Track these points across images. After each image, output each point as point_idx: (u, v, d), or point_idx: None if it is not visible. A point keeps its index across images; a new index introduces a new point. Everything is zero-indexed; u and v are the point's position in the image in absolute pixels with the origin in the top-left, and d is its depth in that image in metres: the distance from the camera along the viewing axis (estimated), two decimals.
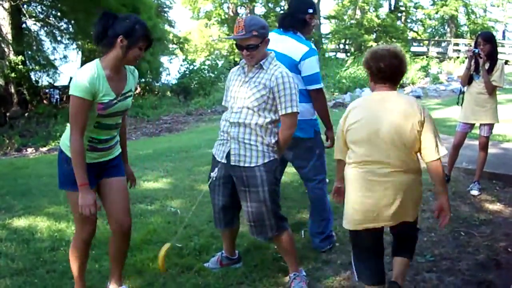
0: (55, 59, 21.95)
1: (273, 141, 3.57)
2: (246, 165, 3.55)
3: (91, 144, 3.35)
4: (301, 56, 4.10)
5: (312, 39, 26.25)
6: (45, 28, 21.50)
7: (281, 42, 4.19)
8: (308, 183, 4.47)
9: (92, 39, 3.21)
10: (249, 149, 3.54)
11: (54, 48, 21.79)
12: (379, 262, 3.35)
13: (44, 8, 21.36)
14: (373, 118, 3.10)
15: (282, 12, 37.17)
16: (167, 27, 28.67)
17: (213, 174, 3.74)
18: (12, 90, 19.61)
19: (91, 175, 3.31)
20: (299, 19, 4.29)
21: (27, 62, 20.10)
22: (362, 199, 3.14)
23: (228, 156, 3.62)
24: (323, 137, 4.46)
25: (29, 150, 14.97)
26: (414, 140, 3.10)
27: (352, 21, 39.24)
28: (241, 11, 39.66)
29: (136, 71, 3.51)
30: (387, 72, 3.14)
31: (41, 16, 21.39)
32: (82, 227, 3.49)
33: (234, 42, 3.64)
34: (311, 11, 4.32)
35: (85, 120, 3.16)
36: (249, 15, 27.85)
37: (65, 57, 21.92)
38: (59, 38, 21.33)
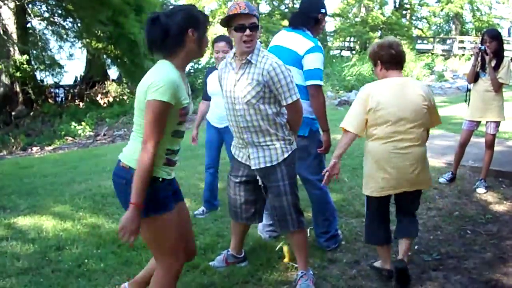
0: (61, 58, 22.01)
1: (287, 133, 3.60)
2: (268, 165, 3.60)
3: (167, 156, 2.90)
4: (305, 51, 4.08)
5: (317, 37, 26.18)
6: (50, 27, 21.53)
7: (288, 38, 4.23)
8: (306, 184, 4.46)
9: (149, 48, 2.84)
10: (268, 149, 3.58)
11: (60, 47, 21.85)
12: (388, 225, 3.96)
13: (49, 7, 21.39)
14: (398, 102, 3.66)
15: (286, 10, 37.23)
16: None
17: (238, 179, 3.82)
18: (18, 90, 19.68)
19: (170, 194, 2.97)
20: (311, 17, 4.29)
21: (32, 61, 20.14)
22: (388, 170, 3.70)
23: (248, 158, 3.67)
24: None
25: (35, 149, 15.01)
26: (428, 119, 3.79)
27: (357, 19, 39.12)
28: None
29: None
30: (398, 57, 3.78)
31: (46, 15, 21.42)
32: (176, 256, 3.00)
33: (227, 28, 3.50)
34: (323, 10, 4.34)
35: (164, 129, 2.78)
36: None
37: (71, 55, 21.94)
38: (64, 37, 21.34)
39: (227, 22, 3.43)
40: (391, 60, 3.75)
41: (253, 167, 3.65)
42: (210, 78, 5.28)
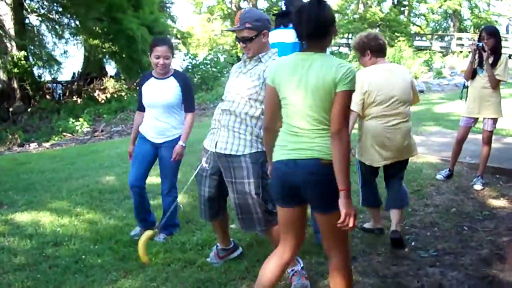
0: (58, 54, 21.98)
1: (262, 133, 3.53)
2: (232, 153, 3.53)
3: None
4: None
5: None
6: (47, 23, 21.48)
7: (289, 35, 4.24)
8: None
9: (309, 37, 2.81)
10: (237, 137, 3.53)
11: (56, 43, 21.81)
12: (376, 190, 4.75)
13: (46, 3, 21.33)
14: (390, 84, 4.29)
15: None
16: (169, 22, 28.64)
17: (205, 165, 3.72)
18: (15, 86, 19.64)
19: None
20: None
21: (30, 57, 20.10)
22: (385, 143, 4.35)
23: (216, 145, 3.61)
24: None
25: (32, 145, 14.97)
26: (413, 97, 4.45)
27: (355, 16, 39.15)
28: (244, 5, 39.59)
29: None
30: (384, 46, 4.52)
31: (43, 11, 21.36)
32: (348, 245, 3.10)
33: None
34: None
35: None
36: (247, 7, 27.79)
37: (65, 52, 21.91)
38: (61, 33, 21.30)
39: None
40: (379, 49, 4.46)
41: (217, 150, 3.58)
42: (146, 86, 4.64)
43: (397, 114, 4.30)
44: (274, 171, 3.02)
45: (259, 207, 3.56)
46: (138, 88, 4.93)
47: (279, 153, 2.96)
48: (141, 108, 4.77)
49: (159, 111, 4.57)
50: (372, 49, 4.45)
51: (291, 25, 4.34)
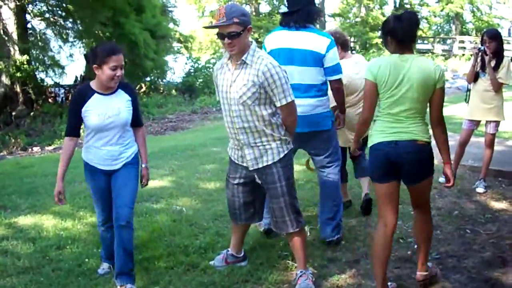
0: (64, 57, 22.00)
1: (282, 132, 3.63)
2: (265, 164, 3.62)
3: None
4: (326, 48, 4.18)
5: None
6: (51, 27, 21.51)
7: (299, 39, 4.22)
8: (322, 169, 4.54)
9: (407, 40, 3.43)
10: (264, 150, 3.61)
11: (60, 47, 21.81)
12: (344, 168, 5.28)
13: (49, 7, 21.36)
14: (360, 76, 4.62)
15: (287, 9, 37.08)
16: (172, 25, 28.67)
17: (237, 181, 3.85)
18: (18, 90, 19.64)
19: None
20: (313, 11, 4.35)
21: (33, 61, 20.12)
22: (353, 128, 4.64)
23: (244, 159, 3.69)
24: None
25: (35, 149, 14.99)
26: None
27: (357, 19, 39.16)
28: (247, 8, 39.61)
29: None
30: (348, 42, 5.09)
31: (46, 15, 21.40)
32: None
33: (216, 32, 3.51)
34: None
35: None
36: (230, 3, 27.80)
37: (70, 55, 21.91)
38: (64, 37, 21.32)
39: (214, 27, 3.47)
40: (346, 44, 5.20)
41: (250, 168, 3.67)
42: (92, 106, 3.76)
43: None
44: (375, 152, 3.52)
45: (291, 209, 3.69)
46: (71, 108, 3.88)
47: (380, 136, 3.49)
48: (74, 132, 3.89)
49: (114, 133, 3.80)
50: (341, 44, 4.96)
51: (292, 26, 4.29)
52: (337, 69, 4.25)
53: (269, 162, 3.61)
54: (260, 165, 3.63)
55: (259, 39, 28.21)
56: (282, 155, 3.62)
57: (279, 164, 3.62)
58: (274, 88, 3.45)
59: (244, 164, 3.72)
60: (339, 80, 4.31)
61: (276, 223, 3.79)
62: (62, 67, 21.17)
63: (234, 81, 3.52)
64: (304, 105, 4.14)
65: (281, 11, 4.62)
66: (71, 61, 21.74)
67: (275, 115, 3.57)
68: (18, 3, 18.57)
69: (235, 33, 3.37)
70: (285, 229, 3.76)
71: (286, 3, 4.50)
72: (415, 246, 4.45)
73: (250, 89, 3.45)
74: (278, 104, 3.50)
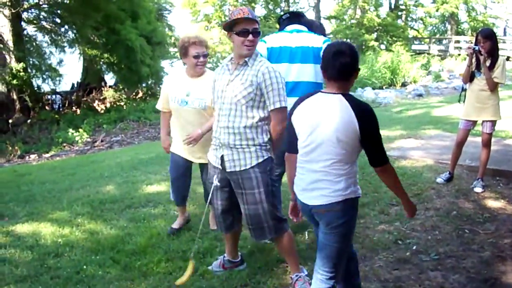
0: (57, 64, 21.97)
1: (265, 139, 3.57)
2: (242, 168, 3.56)
3: None
4: (322, 42, 4.35)
5: None
6: (46, 34, 21.51)
7: (299, 38, 4.37)
8: None
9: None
10: (242, 152, 3.55)
11: (50, 53, 21.79)
12: None
13: (44, 14, 21.36)
14: None
15: (282, 13, 37.24)
16: (167, 30, 28.70)
17: (215, 182, 3.73)
18: (14, 97, 19.65)
19: None
20: (315, 24, 4.73)
21: (29, 68, 20.12)
22: None
23: (222, 161, 3.62)
24: None
25: (32, 156, 15.00)
26: None
27: (353, 21, 39.21)
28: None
29: None
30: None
31: (41, 22, 21.40)
32: None
33: (228, 32, 3.55)
34: None
35: None
36: None
37: (61, 61, 21.89)
38: (59, 44, 21.32)
39: (230, 26, 3.48)
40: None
41: (227, 170, 3.61)
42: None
43: None
44: None
45: (269, 215, 3.61)
46: None
47: None
48: None
49: None
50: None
51: (292, 28, 4.47)
52: None
53: (247, 166, 3.55)
54: (238, 168, 3.57)
55: None
56: (261, 159, 3.56)
57: (258, 170, 3.55)
58: (270, 91, 3.45)
59: (219, 166, 3.66)
60: None
61: (253, 231, 3.70)
62: (59, 74, 21.16)
63: (232, 80, 3.54)
64: None
65: (284, 17, 4.66)
66: (62, 65, 21.71)
67: (264, 120, 3.55)
68: (13, 11, 18.56)
69: (259, 31, 3.50)
70: (262, 236, 3.70)
71: (288, 13, 4.73)
72: (414, 248, 4.46)
73: (247, 88, 3.46)
74: (271, 108, 3.49)
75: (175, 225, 5.05)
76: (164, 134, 4.95)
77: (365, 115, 2.80)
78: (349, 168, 2.90)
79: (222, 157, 3.62)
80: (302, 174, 3.01)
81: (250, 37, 3.44)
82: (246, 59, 3.51)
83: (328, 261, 2.99)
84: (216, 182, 3.72)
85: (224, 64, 3.70)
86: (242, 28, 3.45)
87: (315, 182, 2.92)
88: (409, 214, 3.11)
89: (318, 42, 4.32)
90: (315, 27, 4.65)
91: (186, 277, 3.75)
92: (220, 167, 3.65)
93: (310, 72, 4.29)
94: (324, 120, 2.82)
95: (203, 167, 4.70)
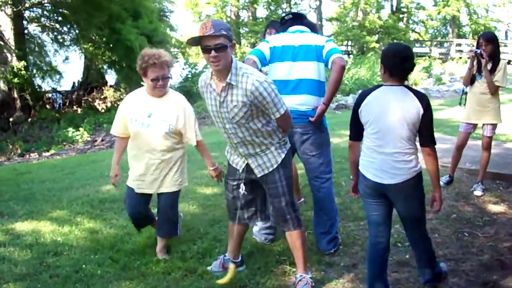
0: (60, 62, 22.02)
1: (280, 135, 3.67)
2: (270, 170, 3.68)
3: None
4: (325, 41, 4.33)
5: None
6: (47, 33, 21.53)
7: (301, 37, 4.36)
8: (314, 181, 4.49)
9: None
10: (265, 155, 3.66)
11: (56, 51, 21.82)
12: None
13: (46, 13, 21.38)
14: None
15: (284, 14, 37.17)
16: (168, 31, 28.70)
17: (241, 191, 3.81)
18: (15, 96, 19.67)
19: None
20: (314, 25, 4.69)
21: (30, 67, 20.13)
22: None
23: (248, 168, 3.73)
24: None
25: (32, 155, 15.01)
26: None
27: (354, 23, 39.22)
28: (243, 14, 39.73)
29: None
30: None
31: (43, 21, 21.41)
32: None
33: (202, 47, 3.39)
34: None
35: None
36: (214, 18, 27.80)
37: (66, 58, 21.92)
38: (61, 42, 21.34)
39: (197, 42, 3.36)
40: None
41: (258, 175, 3.71)
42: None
43: None
44: None
45: (291, 207, 3.74)
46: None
47: None
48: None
49: None
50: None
51: (295, 29, 4.46)
52: (336, 50, 4.26)
53: (274, 167, 3.66)
54: (267, 171, 3.67)
55: (256, 44, 28.17)
56: (283, 155, 3.68)
57: (280, 165, 3.67)
58: (265, 104, 3.42)
59: (244, 172, 3.76)
60: (341, 58, 4.23)
61: (278, 222, 3.84)
62: (60, 73, 21.17)
63: (222, 102, 3.47)
64: (299, 102, 4.27)
65: (286, 18, 4.64)
66: (67, 63, 21.74)
67: (269, 123, 3.57)
68: (15, 9, 18.57)
69: (223, 45, 3.28)
70: (287, 227, 3.79)
71: (290, 14, 4.69)
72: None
73: (242, 109, 3.42)
74: (273, 117, 3.52)
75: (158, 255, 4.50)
76: (115, 161, 4.43)
77: (425, 102, 3.26)
78: (414, 147, 3.34)
79: (247, 165, 3.72)
80: (373, 158, 3.39)
81: (213, 53, 3.27)
82: (228, 79, 3.38)
83: (418, 225, 3.56)
84: (237, 182, 3.85)
85: (206, 83, 3.58)
86: (204, 45, 3.31)
87: (389, 163, 3.32)
88: (438, 205, 3.56)
89: (321, 41, 4.31)
90: (317, 29, 4.65)
91: (227, 279, 3.80)
92: (245, 171, 3.76)
93: (313, 70, 4.26)
94: (393, 108, 3.24)
95: (161, 195, 4.40)
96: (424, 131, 3.30)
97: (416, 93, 3.28)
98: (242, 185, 3.81)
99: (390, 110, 3.26)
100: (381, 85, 3.37)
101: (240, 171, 3.77)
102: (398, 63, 3.27)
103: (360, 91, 3.60)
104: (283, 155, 3.68)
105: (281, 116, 3.50)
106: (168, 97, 4.20)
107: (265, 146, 3.62)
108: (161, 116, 4.12)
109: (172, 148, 4.25)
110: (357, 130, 3.48)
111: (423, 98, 3.26)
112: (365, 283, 3.87)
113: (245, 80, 3.37)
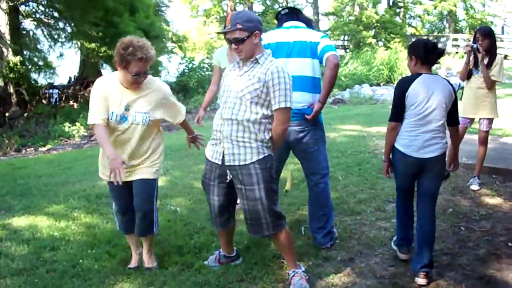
0: (54, 58, 21.94)
1: (267, 137, 3.56)
2: (241, 163, 3.55)
3: None
4: (320, 37, 4.29)
5: None
6: (43, 28, 21.45)
7: (296, 34, 4.34)
8: (312, 177, 4.47)
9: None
10: (243, 146, 3.54)
11: (52, 47, 21.74)
12: None
13: (42, 7, 21.30)
14: None
15: (280, 9, 37.09)
16: (165, 25, 28.63)
17: (212, 182, 3.77)
18: (11, 91, 19.58)
19: None
20: (310, 20, 4.68)
21: (26, 62, 20.06)
22: None
23: (222, 156, 3.61)
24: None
25: (29, 150, 14.96)
26: None
27: (351, 18, 39.15)
28: (240, 8, 39.61)
29: None
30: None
31: (39, 16, 21.33)
32: None
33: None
34: None
35: None
36: (237, 10, 27.86)
37: (61, 55, 21.84)
38: (56, 38, 21.27)
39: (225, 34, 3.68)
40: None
41: (226, 163, 3.59)
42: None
43: None
44: None
45: (268, 212, 3.60)
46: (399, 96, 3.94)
47: None
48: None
49: None
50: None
51: (290, 25, 4.43)
52: (332, 48, 4.24)
53: (247, 162, 3.54)
54: (237, 163, 3.55)
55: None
56: (261, 156, 3.55)
57: (258, 166, 3.54)
58: (276, 90, 3.44)
59: (218, 162, 3.64)
60: (336, 56, 4.21)
61: (251, 226, 3.70)
62: (54, 68, 21.11)
63: (241, 75, 3.56)
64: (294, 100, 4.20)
65: (282, 12, 4.62)
66: (62, 59, 21.65)
67: (267, 119, 3.55)
68: (10, 4, 18.50)
69: (239, 39, 3.45)
70: (260, 232, 3.69)
71: (286, 9, 4.68)
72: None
73: (254, 84, 3.46)
74: (275, 107, 3.48)
75: (132, 264, 4.25)
76: (110, 149, 3.62)
77: (454, 88, 3.89)
78: (445, 126, 3.94)
79: (222, 152, 3.61)
80: (416, 136, 3.86)
81: (233, 45, 3.52)
82: (257, 56, 3.52)
83: (433, 200, 4.00)
84: (213, 182, 3.76)
85: (236, 61, 3.69)
86: (227, 38, 3.65)
87: (431, 139, 3.85)
88: (455, 167, 4.28)
89: (316, 37, 4.28)
90: (312, 25, 4.63)
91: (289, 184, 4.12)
92: (219, 162, 3.64)
93: (307, 67, 4.24)
94: (436, 92, 3.79)
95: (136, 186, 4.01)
96: (454, 112, 3.93)
97: (448, 81, 3.90)
98: (212, 173, 3.73)
99: (434, 94, 3.79)
100: (421, 74, 3.84)
101: (215, 164, 3.67)
102: (430, 51, 3.87)
103: (401, 78, 4.12)
104: (262, 155, 3.54)
105: (284, 109, 3.48)
106: (146, 86, 3.84)
107: (249, 135, 3.51)
108: (138, 107, 3.80)
109: (150, 136, 3.97)
110: (400, 113, 3.89)
111: (452, 86, 3.89)
112: (363, 277, 3.90)
113: (271, 63, 3.52)
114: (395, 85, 4.07)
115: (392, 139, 3.96)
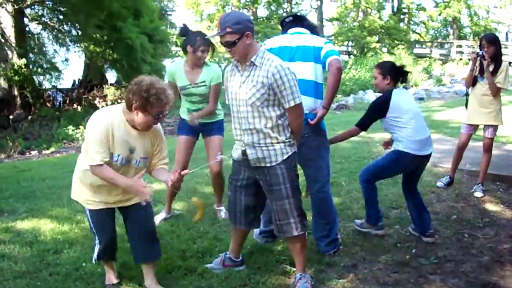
0: (59, 61, 22.00)
1: (288, 135, 3.62)
2: (268, 165, 3.61)
3: None
4: (324, 42, 4.27)
5: None
6: (48, 31, 21.52)
7: (299, 39, 4.32)
8: (313, 185, 4.45)
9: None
10: (266, 150, 3.60)
11: (57, 51, 21.81)
12: None
13: (47, 10, 21.37)
14: None
15: (284, 14, 37.18)
16: (170, 29, 28.69)
17: (239, 183, 3.84)
18: (16, 93, 19.64)
19: None
20: (315, 26, 4.69)
21: (30, 65, 20.11)
22: None
23: (246, 158, 3.67)
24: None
25: (33, 153, 14.99)
26: None
27: (355, 23, 39.20)
28: (244, 13, 39.63)
29: None
30: None
31: (44, 19, 21.40)
32: None
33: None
34: None
35: None
36: (227, 11, 27.91)
37: (66, 59, 21.92)
38: (61, 41, 21.32)
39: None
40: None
41: (252, 165, 3.66)
42: None
43: None
44: None
45: (296, 211, 3.67)
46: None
47: None
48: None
49: None
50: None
51: (294, 31, 4.42)
52: (335, 52, 4.21)
53: (273, 164, 3.60)
54: (263, 164, 3.62)
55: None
56: (285, 156, 3.61)
57: (283, 166, 3.61)
58: (283, 90, 3.45)
59: (245, 164, 3.73)
60: (339, 60, 4.18)
61: (280, 226, 3.73)
62: (59, 71, 21.16)
63: (243, 82, 3.54)
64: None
65: (287, 20, 4.61)
66: (67, 65, 21.72)
67: (283, 117, 3.58)
68: (16, 7, 18.56)
69: (230, 42, 3.42)
70: (290, 231, 3.71)
71: (291, 16, 4.66)
72: (413, 251, 4.46)
73: (260, 91, 3.46)
74: (286, 106, 3.51)
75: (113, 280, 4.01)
76: (123, 179, 3.47)
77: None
78: None
79: (245, 153, 3.66)
80: (421, 136, 4.50)
81: (227, 49, 3.51)
82: (252, 59, 3.49)
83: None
84: (240, 182, 3.85)
85: (233, 65, 3.68)
86: (220, 42, 3.56)
87: (429, 138, 4.60)
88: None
89: (319, 42, 4.27)
90: (317, 31, 4.63)
91: (199, 215, 3.80)
92: (245, 165, 3.72)
93: (310, 71, 4.21)
94: (413, 100, 4.85)
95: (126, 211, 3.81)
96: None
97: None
98: (241, 174, 3.81)
99: (413, 102, 4.70)
100: (393, 89, 4.66)
101: (243, 166, 3.75)
102: (399, 72, 4.80)
103: (380, 95, 4.72)
104: (286, 156, 3.61)
105: (295, 106, 3.50)
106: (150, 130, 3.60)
107: (270, 140, 3.57)
108: (143, 152, 3.58)
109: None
110: (370, 123, 4.63)
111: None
112: (366, 283, 3.89)
113: (269, 63, 3.47)
114: (374, 101, 4.80)
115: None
